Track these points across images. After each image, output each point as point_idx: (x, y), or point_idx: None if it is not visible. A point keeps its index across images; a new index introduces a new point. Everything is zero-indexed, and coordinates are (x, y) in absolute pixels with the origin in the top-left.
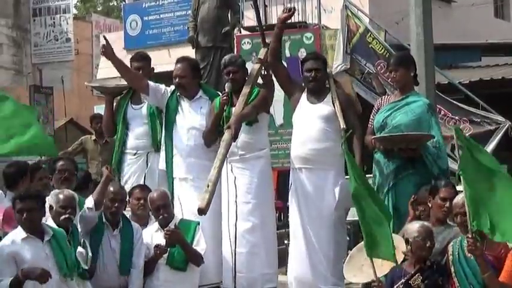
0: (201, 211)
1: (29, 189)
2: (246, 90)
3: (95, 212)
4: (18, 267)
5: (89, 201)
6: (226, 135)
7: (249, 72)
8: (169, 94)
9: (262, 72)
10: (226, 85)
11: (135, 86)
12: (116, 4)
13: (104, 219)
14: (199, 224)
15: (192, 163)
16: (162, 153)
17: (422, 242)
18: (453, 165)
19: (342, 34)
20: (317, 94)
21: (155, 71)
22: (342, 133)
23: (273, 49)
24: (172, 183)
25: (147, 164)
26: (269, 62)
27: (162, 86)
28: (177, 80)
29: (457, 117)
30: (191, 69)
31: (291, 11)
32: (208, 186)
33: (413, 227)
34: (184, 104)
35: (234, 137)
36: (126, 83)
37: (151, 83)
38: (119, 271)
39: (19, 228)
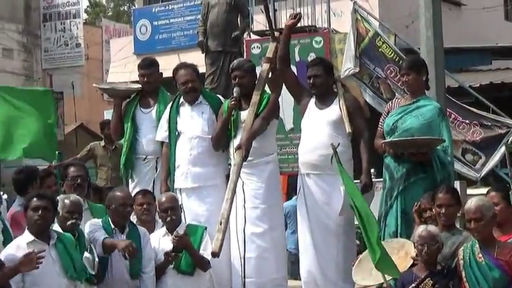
0: (214, 254)
1: (45, 191)
2: (255, 98)
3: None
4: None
5: (99, 245)
6: (237, 157)
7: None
8: (168, 113)
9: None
10: (234, 89)
11: None
12: (125, 9)
13: (112, 225)
14: (206, 229)
15: (198, 172)
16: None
17: (420, 247)
18: (464, 170)
19: (353, 37)
20: (324, 99)
21: (165, 75)
22: (348, 138)
23: (282, 56)
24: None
25: (157, 169)
26: (278, 68)
27: (164, 120)
28: (189, 84)
29: (467, 121)
30: (195, 73)
31: (296, 17)
32: (221, 224)
33: (416, 232)
34: (186, 110)
35: (245, 159)
36: (135, 86)
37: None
38: (130, 275)
39: (26, 232)
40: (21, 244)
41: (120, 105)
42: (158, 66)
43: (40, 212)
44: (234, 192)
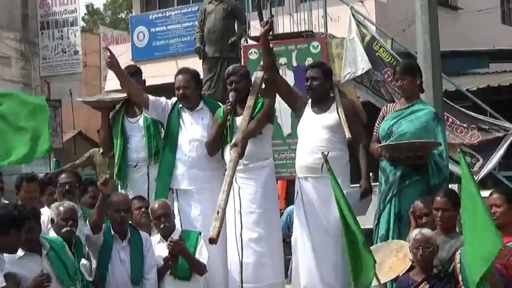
0: (212, 241)
1: (24, 209)
2: (250, 102)
3: (95, 235)
4: None
5: (87, 227)
6: (233, 154)
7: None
8: (170, 107)
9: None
10: (230, 95)
11: (136, 99)
12: (123, 16)
13: (112, 232)
14: (200, 233)
15: (195, 175)
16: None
17: (415, 251)
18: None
19: (359, 40)
20: (321, 104)
21: (162, 82)
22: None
23: (267, 64)
24: (165, 193)
25: (148, 176)
26: (267, 77)
27: (163, 99)
28: (180, 91)
29: (465, 125)
30: (194, 80)
31: (268, 23)
32: (218, 213)
33: (411, 235)
34: (186, 115)
35: (241, 156)
36: (119, 96)
37: (151, 96)
38: (131, 281)
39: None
40: (13, 260)
41: (108, 117)
42: (141, 73)
43: (25, 235)
44: (230, 185)
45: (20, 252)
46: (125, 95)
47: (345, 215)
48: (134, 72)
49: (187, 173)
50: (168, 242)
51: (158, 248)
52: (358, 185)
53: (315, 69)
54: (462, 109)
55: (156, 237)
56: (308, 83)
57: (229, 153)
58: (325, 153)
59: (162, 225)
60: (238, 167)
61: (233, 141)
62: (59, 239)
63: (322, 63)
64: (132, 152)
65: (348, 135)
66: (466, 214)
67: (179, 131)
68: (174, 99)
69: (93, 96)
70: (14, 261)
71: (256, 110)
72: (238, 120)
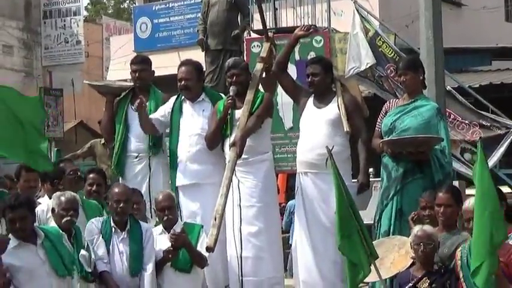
0: (209, 249)
1: (19, 197)
2: (249, 96)
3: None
4: (13, 277)
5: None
6: (232, 153)
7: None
8: (171, 109)
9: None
10: (231, 88)
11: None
12: (126, 7)
13: (111, 223)
14: (202, 226)
15: (196, 169)
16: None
17: (416, 247)
18: (462, 169)
19: (363, 34)
20: (323, 98)
21: (164, 73)
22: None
23: (281, 62)
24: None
25: (150, 168)
26: (274, 71)
27: (162, 109)
28: (182, 82)
29: (466, 121)
30: (196, 71)
31: (309, 30)
32: (215, 219)
33: (412, 231)
34: (187, 107)
35: (239, 155)
36: (129, 84)
37: (154, 119)
38: (129, 273)
39: (10, 236)
40: (8, 249)
41: (113, 102)
42: (150, 64)
43: (17, 224)
44: (228, 188)
45: (15, 242)
46: (132, 84)
47: (342, 209)
48: (141, 61)
49: (188, 168)
50: (170, 234)
51: (160, 239)
52: (356, 180)
53: (314, 65)
54: (465, 101)
55: (158, 229)
56: (309, 80)
57: (228, 147)
58: (332, 145)
59: (165, 218)
60: (238, 161)
61: (232, 139)
62: (56, 229)
63: (322, 58)
64: (134, 141)
65: (346, 128)
66: (479, 200)
67: (181, 125)
68: (173, 98)
69: (101, 81)
70: (8, 251)
71: (256, 105)
72: (237, 113)
